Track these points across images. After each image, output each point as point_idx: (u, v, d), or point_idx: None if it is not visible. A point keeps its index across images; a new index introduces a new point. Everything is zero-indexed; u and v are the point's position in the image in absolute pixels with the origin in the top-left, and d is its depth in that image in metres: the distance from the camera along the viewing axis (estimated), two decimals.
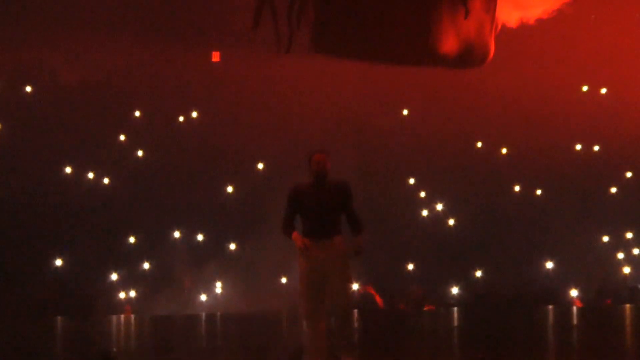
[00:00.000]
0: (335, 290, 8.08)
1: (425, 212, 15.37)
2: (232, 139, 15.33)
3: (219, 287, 14.85)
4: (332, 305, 8.13)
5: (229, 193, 15.29)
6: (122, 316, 14.22)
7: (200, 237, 15.08)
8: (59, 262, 14.71)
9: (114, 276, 14.77)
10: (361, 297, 14.58)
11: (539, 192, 15.44)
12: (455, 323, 13.09)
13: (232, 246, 15.00)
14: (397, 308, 14.78)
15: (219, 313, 14.52)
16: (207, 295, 14.82)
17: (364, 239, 8.11)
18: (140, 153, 15.40)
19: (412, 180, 15.59)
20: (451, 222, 15.30)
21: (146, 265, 14.88)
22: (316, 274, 8.10)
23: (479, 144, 15.69)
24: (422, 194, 15.46)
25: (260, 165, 15.41)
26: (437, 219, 15.32)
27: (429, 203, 15.42)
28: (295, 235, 8.16)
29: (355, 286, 14.29)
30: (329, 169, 8.21)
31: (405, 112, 15.87)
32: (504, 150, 15.65)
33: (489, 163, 15.54)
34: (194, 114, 15.70)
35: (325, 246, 8.12)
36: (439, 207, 15.37)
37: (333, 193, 8.19)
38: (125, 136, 15.47)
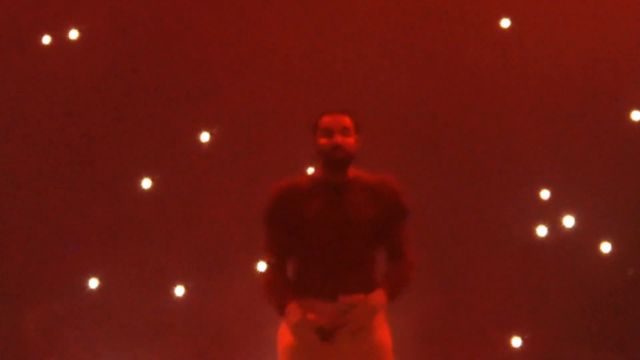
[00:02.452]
0: None
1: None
2: (153, 79, 7.39)
3: None
4: None
5: (143, 190, 7.35)
6: None
7: (94, 284, 7.25)
8: None
9: None
10: None
11: None
12: None
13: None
14: None
15: None
16: None
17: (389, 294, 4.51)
18: None
19: (545, 193, 7.29)
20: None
21: None
22: None
23: None
24: (568, 221, 7.24)
25: (205, 137, 7.35)
26: (605, 270, 7.26)
27: (587, 241, 7.26)
28: (293, 307, 4.45)
29: None
30: (356, 150, 4.61)
31: (505, 22, 7.38)
32: None
33: None
34: (73, 34, 7.43)
35: (348, 315, 4.38)
36: (606, 247, 7.22)
37: (366, 201, 4.55)
38: None
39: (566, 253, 7.26)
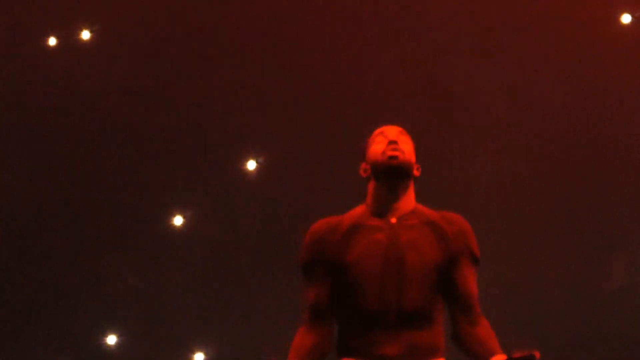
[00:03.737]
0: None
1: None
2: (184, 91, 6.29)
3: None
4: None
5: (176, 227, 6.36)
6: None
7: (112, 341, 6.34)
8: None
9: None
10: None
11: None
12: None
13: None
14: None
15: None
16: None
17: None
18: None
19: None
20: None
21: None
22: None
23: None
24: None
25: (252, 165, 6.38)
26: None
27: None
28: None
29: None
30: (415, 163, 3.78)
31: (626, 18, 6.19)
32: None
33: None
34: (85, 34, 6.28)
35: None
36: None
37: (428, 239, 3.73)
38: None
39: None
